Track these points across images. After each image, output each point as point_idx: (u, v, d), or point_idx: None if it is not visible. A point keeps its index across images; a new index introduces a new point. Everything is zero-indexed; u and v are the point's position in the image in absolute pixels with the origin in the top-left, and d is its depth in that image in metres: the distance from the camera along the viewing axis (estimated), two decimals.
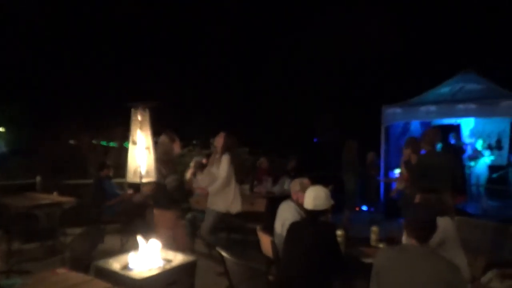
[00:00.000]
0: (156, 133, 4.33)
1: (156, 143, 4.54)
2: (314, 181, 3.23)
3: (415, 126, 9.71)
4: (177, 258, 2.90)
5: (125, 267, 2.75)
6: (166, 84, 15.60)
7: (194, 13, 16.83)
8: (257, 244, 3.78)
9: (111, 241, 5.26)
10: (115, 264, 2.75)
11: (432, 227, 2.22)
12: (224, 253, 2.83)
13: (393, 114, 8.75)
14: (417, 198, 3.26)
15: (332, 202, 2.93)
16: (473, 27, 15.12)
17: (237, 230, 5.46)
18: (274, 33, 16.64)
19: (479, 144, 8.67)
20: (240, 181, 6.58)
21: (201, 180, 4.77)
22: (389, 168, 8.59)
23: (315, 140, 17.03)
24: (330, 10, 15.34)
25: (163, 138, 4.69)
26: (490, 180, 8.59)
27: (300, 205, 3.39)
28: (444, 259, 2.19)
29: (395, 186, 6.26)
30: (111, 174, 6.10)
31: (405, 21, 15.58)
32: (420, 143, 4.95)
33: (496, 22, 14.95)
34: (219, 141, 4.61)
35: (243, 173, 7.49)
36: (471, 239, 3.54)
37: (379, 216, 7.66)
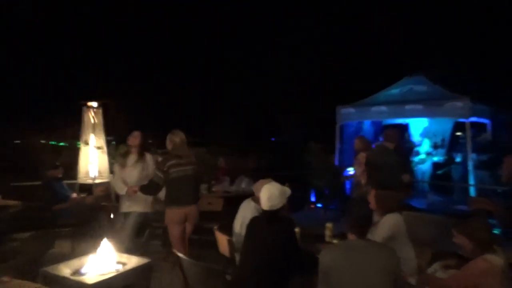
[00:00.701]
0: (110, 133, 4.16)
1: (110, 142, 4.40)
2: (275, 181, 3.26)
3: (367, 125, 10.11)
4: (132, 261, 2.83)
5: (76, 272, 2.64)
6: (121, 83, 15.14)
7: (148, 8, 16.43)
8: (214, 244, 3.76)
9: (62, 246, 5.02)
10: (65, 270, 2.63)
11: (369, 221, 2.35)
12: (180, 254, 2.80)
13: (347, 114, 9.07)
14: (372, 195, 3.39)
15: (288, 193, 2.96)
16: (420, 31, 15.99)
17: (193, 231, 5.39)
18: (237, 32, 16.63)
19: (426, 143, 9.18)
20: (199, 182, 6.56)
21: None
22: (343, 166, 8.87)
23: (272, 139, 17.24)
24: (292, 12, 15.59)
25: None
26: (435, 176, 9.12)
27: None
28: (384, 247, 2.32)
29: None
30: (60, 175, 5.81)
31: (359, 26, 16.17)
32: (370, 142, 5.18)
33: (442, 28, 15.91)
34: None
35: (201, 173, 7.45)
36: (418, 232, 3.73)
37: (337, 213, 7.87)
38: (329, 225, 3.51)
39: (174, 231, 4.11)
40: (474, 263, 2.42)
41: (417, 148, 9.24)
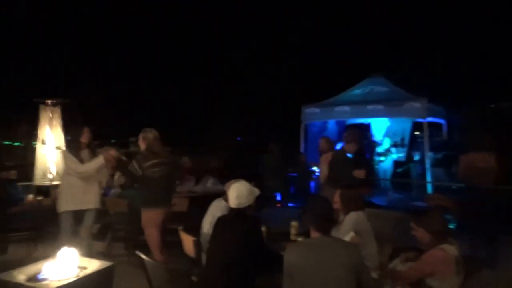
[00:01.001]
0: (68, 132, 3.99)
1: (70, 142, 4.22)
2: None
3: (331, 125, 10.35)
4: (93, 264, 2.72)
5: (32, 278, 2.50)
6: (81, 82, 14.57)
7: (112, 8, 15.91)
8: (179, 245, 3.71)
9: (16, 251, 4.76)
10: (20, 276, 2.49)
11: (329, 218, 2.42)
12: (143, 256, 2.73)
13: (311, 114, 9.23)
14: (337, 194, 3.46)
15: (256, 193, 2.97)
16: (381, 33, 16.53)
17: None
18: (198, 32, 16.44)
19: (386, 142, 9.51)
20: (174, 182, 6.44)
21: (118, 179, 4.56)
22: (309, 165, 9.01)
23: (238, 138, 17.21)
24: (254, 11, 15.61)
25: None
26: (395, 174, 9.47)
27: None
28: (347, 243, 2.38)
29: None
30: (14, 176, 5.51)
31: (323, 28, 16.47)
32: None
33: (401, 31, 16.53)
34: (86, 136, 4.41)
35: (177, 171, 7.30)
36: (379, 229, 3.85)
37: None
38: (294, 223, 3.55)
39: (155, 234, 3.98)
40: (431, 252, 2.55)
41: (378, 147, 9.56)
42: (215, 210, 3.54)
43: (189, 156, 7.68)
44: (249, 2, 15.70)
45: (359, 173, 4.95)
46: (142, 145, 4.12)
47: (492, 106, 5.82)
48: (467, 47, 15.29)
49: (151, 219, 3.97)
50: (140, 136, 4.15)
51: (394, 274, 2.76)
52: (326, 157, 5.86)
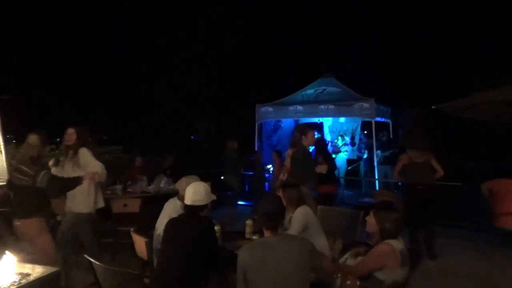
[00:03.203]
0: (7, 130, 3.71)
1: (10, 141, 3.93)
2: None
3: (287, 124, 10.53)
4: (36, 271, 2.56)
5: None
6: (21, 77, 13.66)
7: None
8: (131, 247, 3.59)
9: None
10: None
11: (280, 216, 2.45)
12: (92, 260, 2.61)
13: (265, 113, 9.33)
14: (279, 191, 3.54)
15: (213, 197, 2.95)
16: (333, 36, 17.07)
17: (108, 234, 5.10)
18: (148, 25, 15.94)
19: (339, 141, 9.84)
20: (113, 181, 6.20)
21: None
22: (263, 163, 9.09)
23: (192, 137, 16.99)
24: (205, 5, 15.40)
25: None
26: (346, 172, 9.82)
27: None
28: (299, 239, 2.43)
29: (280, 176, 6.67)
30: None
31: (277, 28, 16.68)
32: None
33: (352, 33, 17.17)
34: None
35: (116, 172, 7.05)
36: (331, 225, 3.98)
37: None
38: (249, 222, 3.57)
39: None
40: (378, 247, 2.68)
41: (330, 146, 9.85)
42: (171, 210, 3.47)
43: (141, 156, 7.47)
44: None
45: (322, 168, 5.06)
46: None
47: (433, 107, 6.20)
48: (412, 51, 16.21)
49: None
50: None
51: (344, 269, 2.86)
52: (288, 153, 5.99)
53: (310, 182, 4.86)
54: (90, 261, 2.62)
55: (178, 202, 3.49)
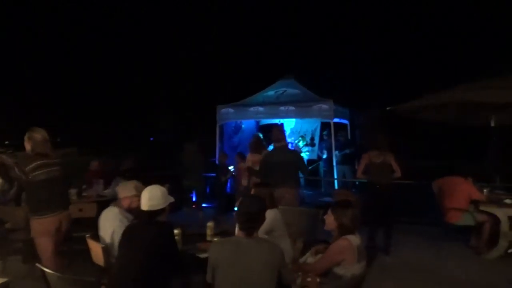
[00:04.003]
0: None
1: None
2: (151, 182, 3.14)
3: (248, 125, 10.57)
4: None
5: None
6: None
7: None
8: (87, 253, 3.46)
9: None
10: None
11: (258, 219, 2.44)
12: (45, 269, 2.50)
13: (226, 114, 9.30)
14: (252, 192, 3.56)
15: (170, 200, 2.90)
16: (293, 37, 17.37)
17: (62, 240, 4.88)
18: (104, 23, 15.45)
19: (300, 142, 10.01)
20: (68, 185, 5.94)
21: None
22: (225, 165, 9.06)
23: (152, 139, 16.63)
24: (170, 7, 15.20)
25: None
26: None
27: (132, 209, 3.27)
28: (269, 243, 2.46)
29: (241, 182, 6.68)
30: None
31: (238, 29, 16.73)
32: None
33: (312, 36, 17.56)
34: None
35: (71, 176, 6.76)
36: (292, 225, 4.04)
37: (217, 211, 8.00)
38: (210, 224, 3.55)
39: (46, 244, 3.60)
40: (336, 242, 2.78)
41: (291, 147, 10.00)
42: (109, 221, 3.27)
43: (98, 158, 7.22)
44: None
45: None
46: (28, 146, 3.69)
47: (388, 108, 6.48)
48: (369, 54, 16.83)
49: (41, 228, 3.60)
50: (26, 136, 3.70)
51: (305, 267, 2.92)
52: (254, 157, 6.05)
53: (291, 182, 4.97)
54: (43, 270, 2.50)
55: (116, 209, 3.34)
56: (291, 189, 4.92)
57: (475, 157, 6.51)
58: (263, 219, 2.47)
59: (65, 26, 14.86)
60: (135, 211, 3.27)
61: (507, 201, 5.32)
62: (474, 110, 6.40)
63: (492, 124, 6.16)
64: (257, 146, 6.64)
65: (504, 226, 5.12)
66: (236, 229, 2.88)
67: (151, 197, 2.76)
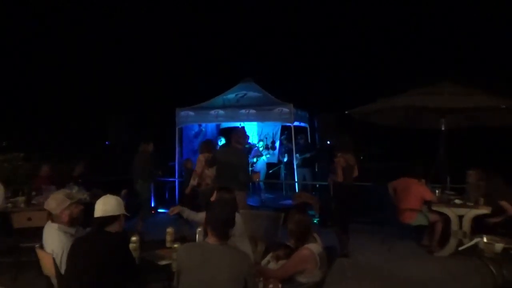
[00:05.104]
0: None
1: None
2: (106, 187, 3.03)
3: (209, 128, 10.52)
4: None
5: None
6: None
7: None
8: (36, 265, 3.28)
9: None
10: None
11: (231, 224, 2.44)
12: None
13: (186, 117, 9.18)
14: (214, 196, 3.52)
15: (124, 211, 2.78)
16: (253, 39, 17.48)
17: (9, 251, 4.62)
18: (57, 21, 14.75)
19: (259, 145, 10.08)
20: (14, 192, 5.62)
21: None
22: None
23: (107, 143, 16.04)
24: (122, 5, 14.78)
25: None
26: (267, 175, 10.10)
27: (75, 219, 3.10)
28: (239, 252, 2.45)
29: (190, 182, 6.56)
30: None
31: (197, 30, 16.62)
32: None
33: (270, 38, 17.76)
34: None
35: (17, 183, 6.41)
36: (253, 229, 4.06)
37: (175, 216, 7.82)
38: (169, 230, 3.47)
39: None
40: (298, 252, 2.85)
41: (253, 150, 10.05)
42: (50, 238, 3.03)
43: (48, 163, 6.88)
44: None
45: (256, 176, 5.19)
46: None
47: (346, 112, 6.70)
48: (327, 58, 17.26)
49: None
50: None
51: (267, 272, 2.94)
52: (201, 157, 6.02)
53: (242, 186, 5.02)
54: None
55: (54, 225, 3.07)
56: (241, 191, 4.95)
57: (426, 159, 6.87)
58: (233, 224, 2.47)
59: (8, 22, 14.08)
60: (80, 217, 3.12)
61: (457, 201, 5.66)
62: (426, 114, 6.78)
63: (443, 128, 6.53)
64: (208, 146, 6.60)
65: (454, 225, 5.44)
66: (199, 235, 2.85)
67: (105, 204, 2.67)
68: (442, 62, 14.50)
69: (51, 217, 3.12)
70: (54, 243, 2.98)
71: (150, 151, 7.18)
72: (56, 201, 3.10)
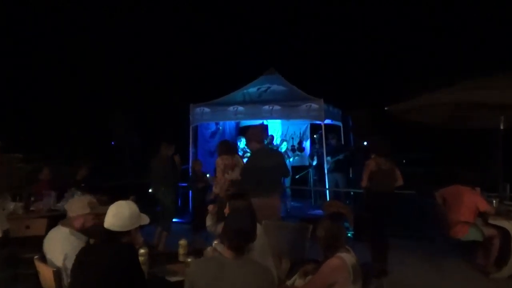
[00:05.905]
0: None
1: None
2: (110, 193, 3.08)
3: (227, 127, 10.52)
4: None
5: None
6: None
7: None
8: (35, 278, 3.37)
9: None
10: None
11: (251, 237, 2.42)
12: None
13: (201, 114, 9.19)
14: (227, 205, 3.51)
15: (140, 222, 2.80)
16: (278, 29, 17.49)
17: (6, 263, 4.75)
18: (58, 20, 15.23)
19: (284, 146, 10.00)
20: (12, 197, 5.78)
21: None
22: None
23: (113, 143, 16.38)
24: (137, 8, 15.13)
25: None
26: (294, 181, 10.02)
27: (86, 229, 3.16)
28: (259, 266, 2.44)
29: (212, 190, 6.61)
30: None
31: (215, 18, 16.74)
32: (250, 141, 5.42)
33: (296, 27, 17.71)
34: None
35: (15, 187, 6.58)
36: (276, 242, 4.04)
37: (189, 227, 7.87)
38: (182, 242, 3.50)
39: None
40: (328, 261, 2.79)
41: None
42: (58, 244, 3.12)
43: (48, 166, 7.06)
44: None
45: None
46: None
47: (385, 108, 6.58)
48: (362, 50, 17.09)
49: None
50: None
51: None
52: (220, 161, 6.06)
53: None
54: None
55: (65, 229, 3.18)
56: (276, 199, 4.95)
57: (481, 163, 6.69)
58: (255, 237, 2.46)
59: (8, 22, 14.61)
60: (89, 231, 3.18)
61: None
62: (481, 111, 6.54)
63: (501, 127, 6.29)
64: (227, 147, 6.56)
65: None
66: (217, 247, 2.84)
67: (116, 215, 2.66)
68: (494, 54, 14.09)
69: (61, 221, 3.24)
70: (67, 246, 3.04)
71: (170, 154, 7.08)
72: (78, 204, 3.21)
